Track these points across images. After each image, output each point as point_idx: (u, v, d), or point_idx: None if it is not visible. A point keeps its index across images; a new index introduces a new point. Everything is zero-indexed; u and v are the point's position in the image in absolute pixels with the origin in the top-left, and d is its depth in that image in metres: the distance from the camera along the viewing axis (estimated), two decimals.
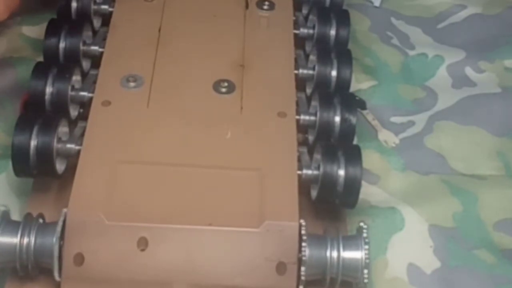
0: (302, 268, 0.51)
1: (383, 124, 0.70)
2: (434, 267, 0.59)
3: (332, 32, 0.67)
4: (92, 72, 0.63)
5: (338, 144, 0.58)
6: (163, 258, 0.51)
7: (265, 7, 0.68)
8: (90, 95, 0.60)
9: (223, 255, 0.52)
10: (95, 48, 0.64)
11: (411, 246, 0.60)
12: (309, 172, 0.56)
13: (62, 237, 0.51)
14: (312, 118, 0.60)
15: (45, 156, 0.55)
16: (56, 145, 0.56)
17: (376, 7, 0.82)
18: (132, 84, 0.60)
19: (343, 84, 0.63)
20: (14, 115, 0.59)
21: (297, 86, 0.62)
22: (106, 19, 0.67)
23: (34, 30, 0.75)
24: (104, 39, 0.65)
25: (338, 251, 0.52)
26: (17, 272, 0.52)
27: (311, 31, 0.67)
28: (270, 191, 0.54)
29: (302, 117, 0.60)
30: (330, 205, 0.57)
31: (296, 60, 0.65)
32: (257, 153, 0.57)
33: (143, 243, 0.51)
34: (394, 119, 0.70)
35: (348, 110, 0.59)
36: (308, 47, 0.67)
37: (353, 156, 0.56)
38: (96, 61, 0.64)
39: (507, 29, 0.80)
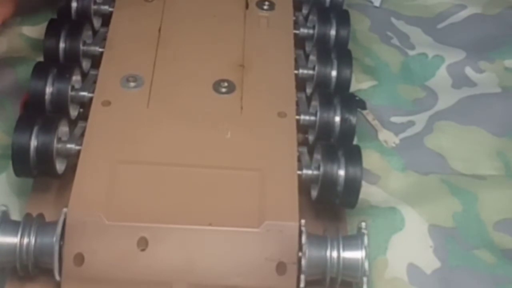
0: (302, 268, 0.51)
1: (383, 124, 0.70)
2: (434, 267, 0.59)
3: (332, 32, 0.67)
4: (92, 72, 0.63)
5: (338, 144, 0.58)
6: (163, 258, 0.51)
7: (265, 7, 0.68)
8: (90, 95, 0.60)
9: (223, 255, 0.52)
10: (95, 48, 0.64)
11: (411, 246, 0.60)
12: (309, 172, 0.56)
13: (62, 237, 0.51)
14: (312, 118, 0.60)
15: (45, 156, 0.55)
16: (56, 145, 0.56)
17: (376, 7, 0.82)
18: (132, 84, 0.60)
19: (343, 84, 0.63)
20: (14, 115, 0.59)
21: (297, 86, 0.62)
22: (106, 19, 0.67)
23: (34, 30, 0.74)
24: (104, 39, 0.65)
25: (338, 251, 0.52)
26: (17, 272, 0.52)
27: (311, 31, 0.67)
28: (270, 191, 0.54)
29: (302, 117, 0.60)
30: (330, 205, 0.57)
31: (296, 60, 0.65)
32: (257, 153, 0.57)
33: (143, 243, 0.51)
34: (394, 119, 0.70)
35: (348, 110, 0.59)
36: (308, 47, 0.67)
37: (353, 156, 0.56)
38: (96, 61, 0.64)
39: (507, 29, 0.80)
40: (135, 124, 0.58)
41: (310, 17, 0.69)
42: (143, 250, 0.51)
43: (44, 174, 0.57)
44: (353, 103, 0.60)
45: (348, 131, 0.59)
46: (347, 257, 0.52)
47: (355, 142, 0.60)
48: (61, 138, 0.57)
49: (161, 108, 0.59)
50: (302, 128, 0.60)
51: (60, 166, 0.57)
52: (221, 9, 0.68)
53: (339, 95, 0.60)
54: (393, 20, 0.81)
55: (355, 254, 0.52)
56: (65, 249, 0.51)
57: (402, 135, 0.69)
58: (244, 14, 0.68)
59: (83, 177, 0.54)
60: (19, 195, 0.61)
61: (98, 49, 0.64)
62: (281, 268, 0.52)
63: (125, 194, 0.53)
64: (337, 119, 0.59)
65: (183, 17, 0.67)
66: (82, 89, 0.61)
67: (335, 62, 0.63)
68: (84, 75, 0.63)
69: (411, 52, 0.77)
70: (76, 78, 0.61)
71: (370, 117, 0.70)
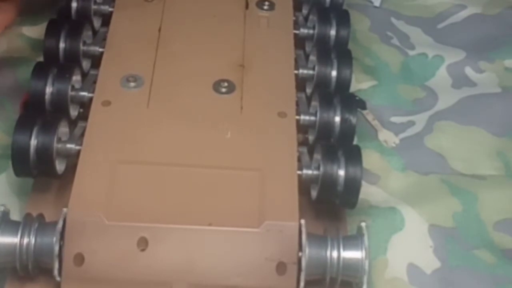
0: (302, 268, 0.51)
1: (383, 124, 0.70)
2: (434, 267, 0.59)
3: (332, 32, 0.67)
4: (92, 72, 0.63)
5: (338, 144, 0.58)
6: (163, 258, 0.51)
7: (265, 7, 0.68)
8: (90, 95, 0.60)
9: (223, 255, 0.52)
10: (95, 48, 0.64)
11: (411, 246, 0.60)
12: (309, 172, 0.56)
13: (62, 237, 0.51)
14: (312, 118, 0.60)
15: (45, 156, 0.55)
16: (56, 145, 0.56)
17: (376, 7, 0.82)
18: (132, 84, 0.60)
19: (343, 84, 0.63)
20: (14, 115, 0.59)
21: (297, 86, 0.62)
22: (106, 19, 0.67)
23: (34, 30, 0.75)
24: (104, 39, 0.65)
25: (338, 251, 0.52)
26: (17, 272, 0.52)
27: (311, 31, 0.67)
28: (270, 191, 0.54)
29: (302, 117, 0.60)
30: (330, 205, 0.57)
31: (296, 60, 0.65)
32: (257, 153, 0.57)
33: (143, 243, 0.51)
34: (394, 119, 0.70)
35: (348, 110, 0.59)
36: (308, 47, 0.67)
37: (353, 156, 0.56)
38: (96, 61, 0.64)
39: (507, 29, 0.80)
40: (135, 124, 0.58)
41: (310, 17, 0.69)
42: (143, 250, 0.51)
43: (44, 174, 0.57)
44: (353, 103, 0.60)
45: (348, 131, 0.59)
46: (347, 257, 0.52)
47: (355, 142, 0.60)
48: (61, 138, 0.57)
49: (161, 108, 0.59)
50: (302, 128, 0.60)
51: (60, 166, 0.57)
52: (221, 9, 0.68)
53: (339, 95, 0.60)
54: (393, 20, 0.81)
55: (355, 254, 0.52)
56: (65, 249, 0.51)
57: (402, 135, 0.69)
58: (244, 14, 0.68)
59: (83, 177, 0.54)
60: (19, 195, 0.61)
61: (98, 49, 0.64)
62: (281, 268, 0.52)
63: (125, 194, 0.53)
64: (337, 119, 0.59)
65: (183, 17, 0.67)
66: (82, 89, 0.61)
67: (335, 62, 0.63)
68: (84, 75, 0.63)
69: (411, 52, 0.77)
70: (76, 78, 0.61)
71: (370, 117, 0.70)
